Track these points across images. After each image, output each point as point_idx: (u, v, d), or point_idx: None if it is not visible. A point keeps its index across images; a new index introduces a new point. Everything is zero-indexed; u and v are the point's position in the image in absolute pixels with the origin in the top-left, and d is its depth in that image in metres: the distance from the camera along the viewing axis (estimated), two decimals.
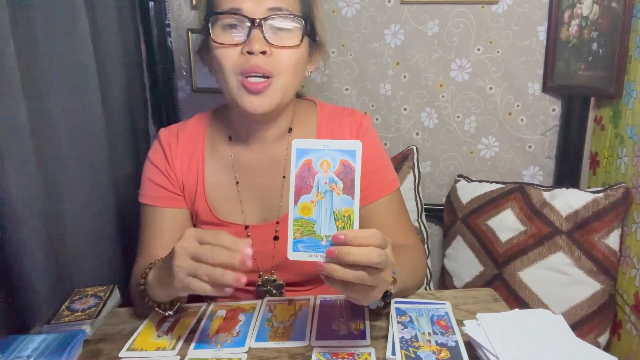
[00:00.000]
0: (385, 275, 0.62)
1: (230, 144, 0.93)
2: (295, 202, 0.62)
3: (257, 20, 0.79)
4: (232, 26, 0.81)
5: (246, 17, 0.79)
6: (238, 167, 0.93)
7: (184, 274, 0.64)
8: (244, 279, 0.62)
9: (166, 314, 0.79)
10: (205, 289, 0.63)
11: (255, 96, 0.81)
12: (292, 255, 0.62)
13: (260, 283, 0.93)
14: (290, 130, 0.93)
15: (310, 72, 0.91)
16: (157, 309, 0.78)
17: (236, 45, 0.81)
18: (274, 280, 0.93)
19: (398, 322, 0.75)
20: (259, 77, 0.80)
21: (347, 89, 1.42)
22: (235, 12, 0.80)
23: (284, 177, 0.92)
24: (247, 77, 0.80)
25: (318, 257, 0.61)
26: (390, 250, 0.62)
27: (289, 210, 0.62)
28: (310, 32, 0.87)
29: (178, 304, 0.80)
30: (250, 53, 0.79)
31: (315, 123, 0.94)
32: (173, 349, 0.73)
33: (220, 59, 0.82)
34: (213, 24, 0.82)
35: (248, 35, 0.80)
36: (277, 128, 0.91)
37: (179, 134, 0.95)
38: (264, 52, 0.79)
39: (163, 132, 0.96)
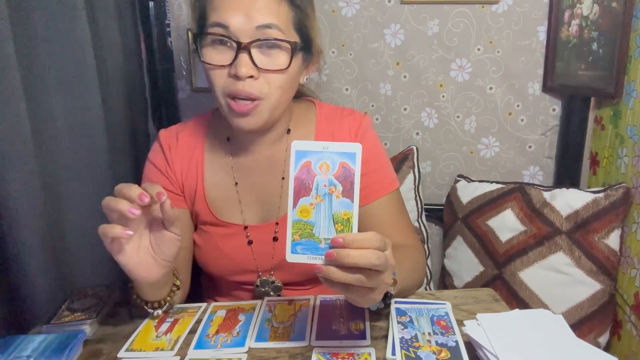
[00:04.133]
0: (385, 277, 0.62)
1: (229, 144, 0.93)
2: (294, 204, 0.61)
3: (244, 44, 0.77)
4: (221, 41, 0.79)
5: (233, 40, 0.77)
6: (237, 167, 0.93)
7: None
8: (136, 211, 0.64)
9: (155, 313, 0.80)
10: (114, 230, 0.65)
11: (242, 118, 0.81)
12: (291, 258, 0.62)
13: (258, 284, 0.93)
14: (288, 131, 0.93)
15: (306, 78, 0.89)
16: (145, 307, 0.79)
17: (223, 67, 0.79)
18: (272, 282, 0.93)
19: (398, 322, 0.75)
20: (246, 99, 0.79)
21: (347, 89, 1.42)
22: (222, 33, 0.78)
23: (282, 177, 0.92)
24: (233, 99, 0.79)
25: (317, 260, 0.61)
26: (390, 253, 0.62)
27: (287, 213, 0.62)
28: (305, 44, 0.84)
29: (167, 304, 0.80)
30: (236, 77, 0.78)
31: (314, 123, 0.94)
32: (172, 349, 0.73)
33: (209, 77, 0.81)
34: (202, 40, 0.80)
35: (235, 58, 0.77)
36: (276, 130, 0.91)
37: (179, 134, 0.95)
38: (251, 76, 0.78)
39: (163, 132, 0.96)
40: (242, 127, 0.82)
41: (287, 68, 0.80)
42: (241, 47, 0.77)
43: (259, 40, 0.77)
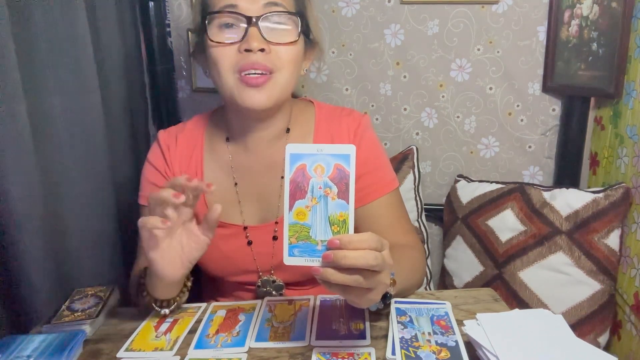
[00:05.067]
0: (383, 278, 0.62)
1: (228, 145, 0.93)
2: (290, 207, 0.62)
3: (254, 19, 0.79)
4: (228, 25, 0.81)
5: (242, 15, 0.79)
6: (236, 168, 0.93)
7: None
8: (182, 196, 0.68)
9: (162, 312, 0.80)
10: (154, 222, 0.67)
11: (255, 90, 0.81)
12: (288, 260, 0.62)
13: (259, 284, 0.93)
14: (287, 130, 0.93)
15: (306, 70, 0.91)
16: (153, 305, 0.79)
17: (233, 43, 0.80)
18: (274, 281, 0.93)
19: (398, 322, 0.75)
20: (259, 73, 0.80)
21: (347, 89, 1.42)
22: (231, 10, 0.80)
23: (282, 177, 0.92)
24: (246, 74, 0.80)
25: (314, 262, 0.61)
26: (388, 253, 0.62)
27: (284, 215, 0.62)
28: (305, 30, 0.86)
29: (175, 303, 0.80)
30: (248, 51, 0.79)
31: (313, 123, 0.94)
32: (171, 349, 0.73)
33: (217, 57, 0.81)
34: (209, 24, 0.82)
35: (245, 34, 0.79)
36: (275, 128, 0.91)
37: (178, 135, 0.95)
38: (262, 50, 0.79)
39: (162, 133, 0.96)
40: (254, 102, 0.81)
41: (296, 41, 0.82)
42: (251, 22, 0.79)
43: (267, 14, 0.80)
